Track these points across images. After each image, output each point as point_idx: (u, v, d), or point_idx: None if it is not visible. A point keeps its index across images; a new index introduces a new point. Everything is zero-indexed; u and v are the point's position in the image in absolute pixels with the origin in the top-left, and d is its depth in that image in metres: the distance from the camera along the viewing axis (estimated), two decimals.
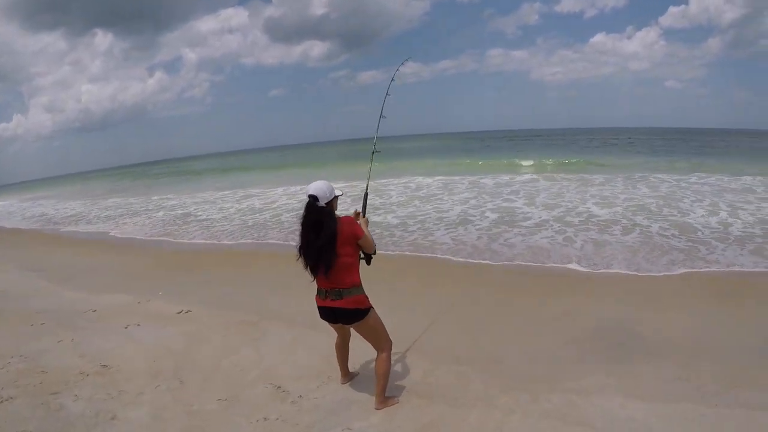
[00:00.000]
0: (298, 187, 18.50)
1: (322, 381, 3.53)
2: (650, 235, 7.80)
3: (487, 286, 5.95)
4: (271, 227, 10.85)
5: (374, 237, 3.21)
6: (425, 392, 3.32)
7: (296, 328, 4.59)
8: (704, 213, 9.31)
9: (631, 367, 3.68)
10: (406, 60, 4.53)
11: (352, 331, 3.23)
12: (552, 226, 8.85)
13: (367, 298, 3.04)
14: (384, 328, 3.11)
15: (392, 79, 4.20)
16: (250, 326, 4.75)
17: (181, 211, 14.98)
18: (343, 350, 3.44)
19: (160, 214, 14.94)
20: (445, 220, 10.02)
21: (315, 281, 3.02)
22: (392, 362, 3.35)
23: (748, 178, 13.41)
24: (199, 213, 14.26)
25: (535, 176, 16.97)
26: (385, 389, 3.12)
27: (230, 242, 9.78)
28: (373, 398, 3.16)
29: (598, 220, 9.09)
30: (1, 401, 3.31)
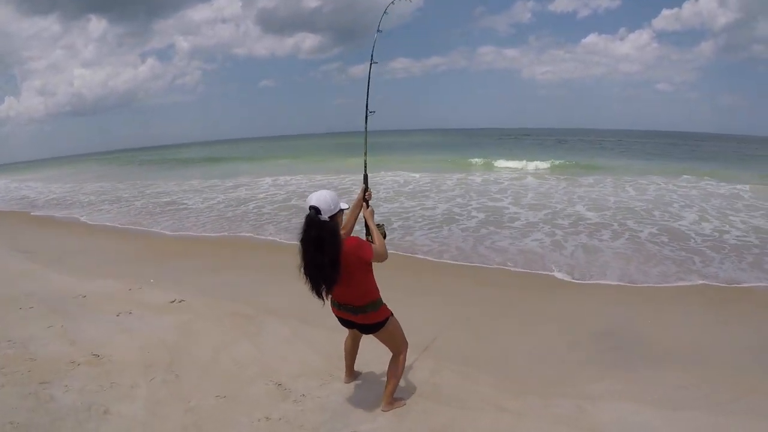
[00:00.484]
0: (289, 177, 18.42)
1: (323, 380, 3.41)
2: (641, 242, 7.72)
3: (482, 288, 5.79)
4: (263, 219, 10.67)
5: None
6: (432, 394, 3.24)
7: (293, 323, 4.47)
8: (695, 219, 9.40)
9: (638, 373, 3.66)
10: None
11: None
12: (541, 228, 8.76)
13: (386, 308, 2.86)
14: (401, 331, 2.96)
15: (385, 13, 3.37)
16: (247, 319, 4.62)
17: (167, 199, 14.71)
18: (352, 350, 3.30)
19: (141, 202, 14.57)
20: (429, 218, 9.91)
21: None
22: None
23: (738, 184, 13.61)
24: (185, 201, 14.02)
25: (523, 175, 17.04)
26: (394, 391, 3.02)
27: (217, 233, 9.51)
28: (379, 399, 3.05)
29: (587, 224, 9.06)
30: None
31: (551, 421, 2.94)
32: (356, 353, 3.33)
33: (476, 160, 22.80)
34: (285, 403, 3.13)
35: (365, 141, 3.16)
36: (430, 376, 3.49)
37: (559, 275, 6.08)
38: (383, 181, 15.90)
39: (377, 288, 2.81)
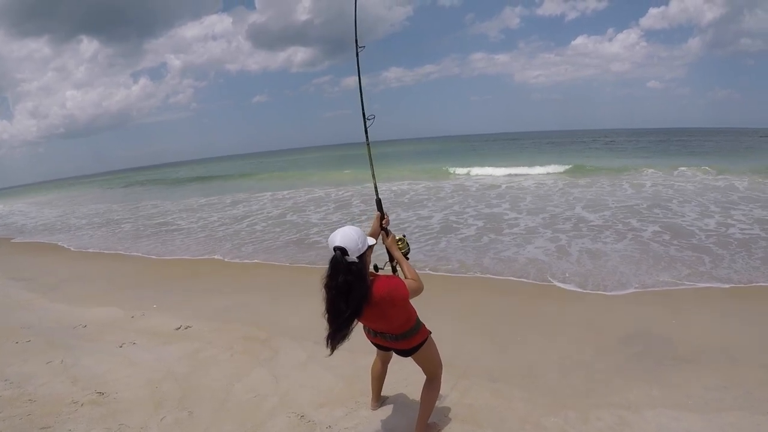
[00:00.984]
0: (286, 192, 18.19)
1: (349, 408, 3.19)
2: (645, 241, 7.57)
3: (492, 300, 5.54)
4: (264, 237, 10.46)
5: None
6: (468, 416, 3.05)
7: (308, 346, 4.25)
8: (697, 214, 9.36)
9: (671, 377, 3.53)
10: None
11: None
12: (543, 233, 8.58)
13: (425, 327, 2.63)
14: (438, 352, 2.75)
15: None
16: (258, 344, 4.39)
17: (161, 219, 14.41)
18: (381, 375, 3.08)
19: (131, 224, 14.23)
20: (425, 228, 9.74)
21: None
22: (417, 381, 3.02)
23: (733, 177, 13.68)
24: (180, 222, 13.72)
25: (522, 180, 17.02)
26: (428, 417, 2.81)
27: (218, 255, 9.16)
28: (411, 426, 2.84)
29: (589, 226, 8.92)
30: None
31: None
32: (384, 378, 3.12)
33: (457, 169, 22.04)
34: None
35: (370, 162, 2.81)
36: (460, 396, 3.30)
37: (570, 287, 5.75)
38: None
39: (415, 310, 2.59)
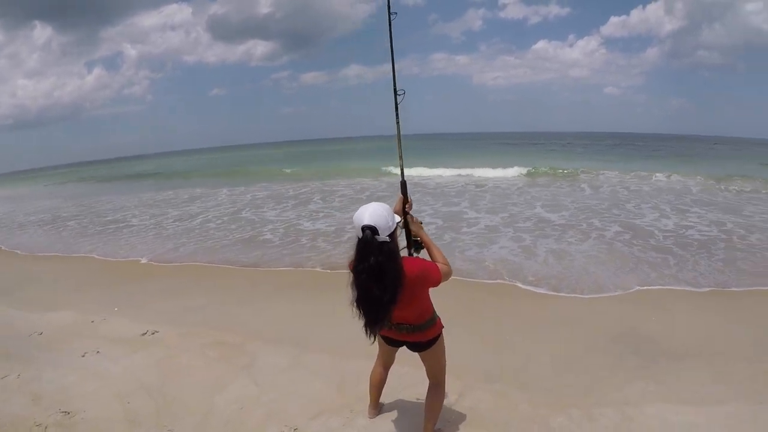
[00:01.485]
0: (242, 188, 17.56)
1: (345, 417, 2.97)
2: (609, 241, 7.76)
3: (469, 299, 5.32)
4: (219, 235, 9.99)
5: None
6: (472, 420, 2.93)
7: (288, 350, 4.02)
8: (656, 216, 9.74)
9: (663, 374, 3.58)
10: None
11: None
12: (505, 233, 8.56)
13: (440, 320, 2.51)
14: (445, 354, 2.62)
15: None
16: (234, 349, 4.10)
17: (112, 217, 13.52)
18: (381, 381, 2.89)
19: (77, 221, 13.20)
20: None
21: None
22: (415, 384, 2.91)
23: (687, 180, 14.40)
24: (133, 219, 12.91)
25: (478, 180, 17.19)
26: (435, 425, 2.66)
27: (174, 252, 8.59)
28: None
29: (553, 226, 9.02)
30: None
31: None
32: (384, 385, 2.93)
33: (412, 170, 21.64)
34: None
35: (398, 141, 2.63)
36: (461, 400, 3.17)
37: (542, 290, 5.66)
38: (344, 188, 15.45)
39: (431, 300, 2.46)
